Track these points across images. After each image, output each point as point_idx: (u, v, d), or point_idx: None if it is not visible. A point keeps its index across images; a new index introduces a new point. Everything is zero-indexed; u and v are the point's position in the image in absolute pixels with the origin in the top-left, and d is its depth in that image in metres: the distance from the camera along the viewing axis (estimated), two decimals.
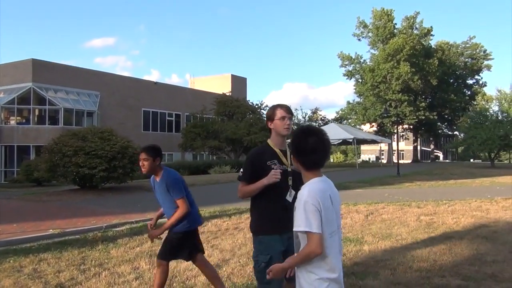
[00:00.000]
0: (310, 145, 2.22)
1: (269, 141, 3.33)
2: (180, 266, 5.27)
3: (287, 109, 3.30)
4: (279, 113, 3.26)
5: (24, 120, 33.15)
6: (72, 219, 9.07)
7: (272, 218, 3.15)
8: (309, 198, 2.11)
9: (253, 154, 3.32)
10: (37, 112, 33.17)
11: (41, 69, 31.91)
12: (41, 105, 32.36)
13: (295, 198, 3.23)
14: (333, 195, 2.24)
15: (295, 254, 2.25)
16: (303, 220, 2.08)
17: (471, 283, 4.58)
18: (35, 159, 25.33)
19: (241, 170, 3.25)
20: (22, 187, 21.95)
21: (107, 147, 13.96)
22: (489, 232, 7.33)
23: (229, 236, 7.21)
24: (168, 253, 4.03)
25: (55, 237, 7.31)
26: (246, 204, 11.19)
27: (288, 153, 3.29)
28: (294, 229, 2.15)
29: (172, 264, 5.36)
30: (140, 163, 3.97)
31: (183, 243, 4.03)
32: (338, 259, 2.25)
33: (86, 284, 4.71)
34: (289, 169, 3.23)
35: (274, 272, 2.29)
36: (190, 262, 5.41)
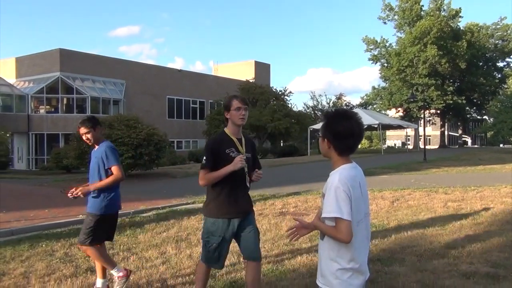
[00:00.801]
0: (347, 128, 2.14)
1: (225, 130, 3.49)
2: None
3: (242, 100, 3.46)
4: (235, 103, 3.41)
5: (53, 109, 33.94)
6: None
7: (228, 203, 3.37)
8: (340, 184, 2.06)
9: (212, 142, 3.47)
10: (65, 101, 33.88)
11: (68, 58, 32.50)
12: (68, 94, 33.03)
13: (249, 184, 3.53)
14: (362, 182, 2.19)
15: (326, 225, 2.14)
16: (334, 206, 2.04)
17: (500, 270, 4.49)
18: (64, 147, 25.99)
19: (204, 158, 3.35)
20: (52, 174, 22.59)
21: (133, 135, 14.17)
22: None
23: None
24: (86, 236, 3.98)
25: None
26: (271, 190, 11.18)
27: (243, 141, 3.52)
28: (324, 215, 2.10)
29: (199, 249, 5.45)
30: (84, 138, 4.07)
31: (101, 226, 4.00)
32: (363, 248, 2.20)
33: None
34: (245, 157, 3.42)
35: (298, 228, 2.35)
36: None
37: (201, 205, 9.35)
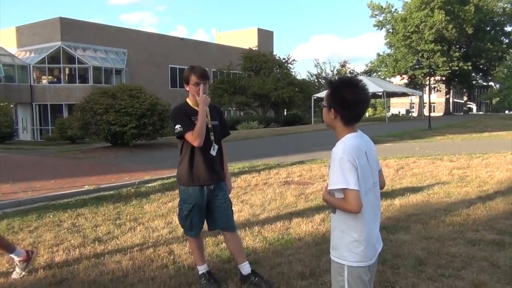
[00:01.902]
0: (354, 96, 2.07)
1: (188, 100, 3.52)
2: None
3: (200, 74, 3.42)
4: (193, 79, 3.41)
5: (55, 79, 33.79)
6: (106, 175, 9.32)
7: (196, 171, 3.43)
8: (345, 155, 2.01)
9: (178, 110, 3.49)
10: (67, 71, 33.68)
11: (69, 27, 32.09)
12: (70, 64, 32.81)
13: (217, 152, 3.53)
14: (368, 151, 2.13)
15: (334, 197, 2.09)
16: (340, 177, 1.99)
17: (506, 237, 4.50)
18: (68, 117, 25.99)
19: (178, 126, 3.35)
20: (56, 144, 22.67)
21: (136, 105, 14.09)
22: None
23: (258, 192, 7.27)
24: None
25: (91, 192, 7.54)
26: (275, 160, 11.21)
27: (208, 110, 3.49)
28: (330, 187, 2.05)
29: None
30: None
31: None
32: (373, 218, 2.16)
33: (123, 238, 4.88)
34: (210, 125, 3.48)
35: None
36: None
37: None
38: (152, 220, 5.63)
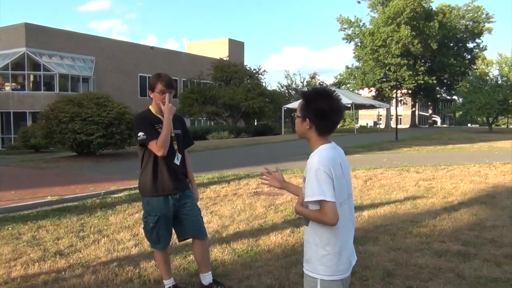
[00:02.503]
0: (329, 106, 2.06)
1: (150, 107, 3.44)
2: None
3: (167, 83, 3.35)
4: (159, 87, 3.33)
5: (19, 86, 32.77)
6: (71, 186, 9.03)
7: (160, 181, 3.34)
8: (321, 166, 1.98)
9: (142, 117, 3.41)
10: (32, 78, 32.72)
11: (34, 33, 31.26)
12: (35, 71, 31.90)
13: (181, 161, 3.47)
14: (343, 163, 2.11)
15: (309, 209, 2.06)
16: (316, 188, 1.95)
17: (471, 248, 4.58)
18: (32, 125, 25.21)
19: (141, 133, 3.26)
20: (19, 153, 21.89)
21: (103, 113, 13.80)
22: (488, 198, 7.33)
23: (228, 202, 7.19)
24: None
25: (54, 204, 7.27)
26: (245, 170, 11.13)
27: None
28: (306, 199, 2.01)
29: None
30: None
31: None
32: (348, 231, 2.13)
33: (86, 251, 4.69)
34: (173, 134, 3.41)
35: (272, 179, 2.42)
36: None
37: None
38: (118, 232, 5.46)
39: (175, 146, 3.43)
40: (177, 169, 3.44)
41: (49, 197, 7.66)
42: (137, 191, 8.15)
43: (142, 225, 3.54)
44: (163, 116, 3.33)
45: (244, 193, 8.00)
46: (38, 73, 31.92)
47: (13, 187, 8.76)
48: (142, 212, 3.52)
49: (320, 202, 1.97)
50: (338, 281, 2.06)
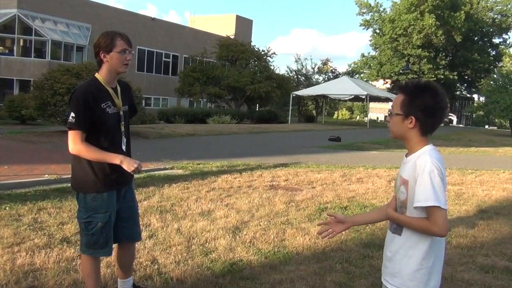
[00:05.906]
0: (438, 102, 1.98)
1: (98, 76, 2.92)
2: (197, 226, 5.13)
3: (128, 40, 2.95)
4: (120, 44, 2.87)
5: (7, 51, 32.41)
6: (67, 164, 8.81)
7: (107, 172, 2.89)
8: (435, 167, 1.88)
9: (84, 93, 2.84)
10: (21, 43, 32.33)
11: None
12: (26, 35, 31.51)
13: (128, 146, 3.04)
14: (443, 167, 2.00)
15: (409, 216, 1.95)
16: (431, 192, 1.83)
17: None
18: (19, 94, 24.93)
19: (72, 114, 2.79)
20: (4, 123, 21.65)
21: None
22: None
23: (243, 195, 7.05)
24: None
25: (52, 183, 7.12)
26: (255, 160, 10.98)
27: (119, 90, 3.00)
28: (418, 204, 1.87)
29: (188, 223, 5.23)
30: None
31: None
32: (442, 242, 2.03)
33: None
34: (121, 113, 2.98)
35: (332, 224, 2.24)
36: (207, 222, 5.29)
37: (181, 171, 9.13)
38: None
39: (122, 128, 3.00)
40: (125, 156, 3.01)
41: (47, 175, 7.51)
42: (142, 175, 8.05)
43: (80, 229, 3.06)
44: (112, 87, 2.93)
45: (259, 186, 7.86)
46: (29, 38, 31.53)
47: (5, 161, 8.60)
48: (78, 211, 3.03)
49: (430, 209, 1.85)
50: None
